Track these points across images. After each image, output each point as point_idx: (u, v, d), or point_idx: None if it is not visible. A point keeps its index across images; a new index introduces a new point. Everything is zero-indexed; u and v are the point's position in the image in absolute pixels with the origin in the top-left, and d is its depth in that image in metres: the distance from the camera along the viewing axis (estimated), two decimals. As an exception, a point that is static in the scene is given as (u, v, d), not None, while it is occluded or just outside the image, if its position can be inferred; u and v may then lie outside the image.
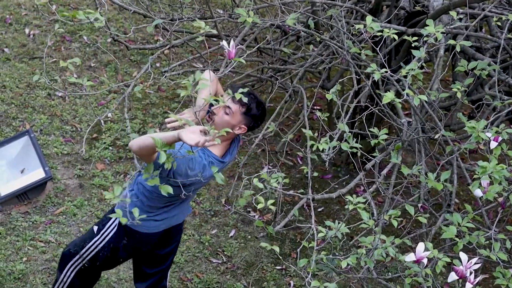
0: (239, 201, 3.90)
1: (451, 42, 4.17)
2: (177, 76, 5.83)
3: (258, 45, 5.37)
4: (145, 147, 3.56)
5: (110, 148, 6.00)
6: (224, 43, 3.71)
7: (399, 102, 3.98)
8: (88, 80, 3.71)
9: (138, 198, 4.02)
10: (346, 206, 3.80)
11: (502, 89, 5.10)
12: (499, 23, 4.97)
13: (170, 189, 3.35)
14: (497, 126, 3.95)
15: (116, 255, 4.21)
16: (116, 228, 4.14)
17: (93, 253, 4.19)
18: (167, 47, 4.78)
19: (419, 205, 4.40)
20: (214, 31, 3.28)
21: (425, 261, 3.59)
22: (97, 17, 3.69)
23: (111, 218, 4.17)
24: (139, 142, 3.58)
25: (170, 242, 4.28)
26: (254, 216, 5.63)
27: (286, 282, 5.23)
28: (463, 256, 3.53)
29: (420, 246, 3.56)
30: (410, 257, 3.56)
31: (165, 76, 4.73)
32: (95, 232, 4.18)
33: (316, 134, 4.30)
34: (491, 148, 3.81)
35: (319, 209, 5.77)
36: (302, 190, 4.36)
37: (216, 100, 3.45)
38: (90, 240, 4.19)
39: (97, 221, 4.33)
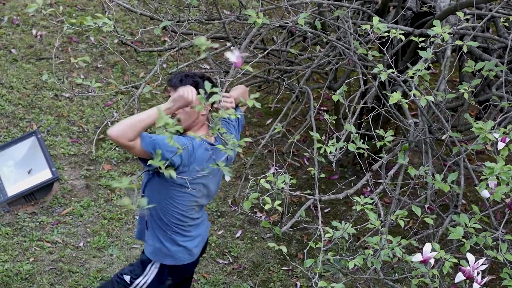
0: (245, 204, 3.88)
1: (458, 42, 4.17)
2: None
3: (266, 49, 5.37)
4: (132, 129, 3.54)
5: (117, 148, 6.01)
6: (228, 54, 3.66)
7: (406, 103, 3.98)
8: (95, 82, 3.72)
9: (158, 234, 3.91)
10: (353, 207, 3.80)
11: (510, 89, 5.09)
12: (506, 24, 4.96)
13: (173, 173, 3.14)
14: (505, 127, 3.94)
15: None
16: (156, 271, 3.96)
17: None
18: (176, 49, 4.78)
19: (426, 206, 4.40)
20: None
21: (432, 261, 3.59)
22: (105, 22, 3.71)
23: (146, 263, 3.98)
24: (125, 127, 3.54)
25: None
26: (261, 217, 5.63)
27: (293, 282, 5.23)
28: (470, 257, 3.52)
29: (427, 246, 3.55)
30: (417, 258, 3.56)
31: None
32: (128, 283, 3.98)
33: (323, 136, 4.30)
34: (498, 149, 3.80)
35: (326, 210, 5.77)
36: (309, 191, 4.35)
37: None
38: None
39: (125, 269, 4.05)
